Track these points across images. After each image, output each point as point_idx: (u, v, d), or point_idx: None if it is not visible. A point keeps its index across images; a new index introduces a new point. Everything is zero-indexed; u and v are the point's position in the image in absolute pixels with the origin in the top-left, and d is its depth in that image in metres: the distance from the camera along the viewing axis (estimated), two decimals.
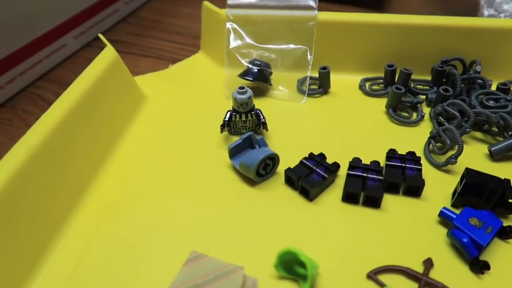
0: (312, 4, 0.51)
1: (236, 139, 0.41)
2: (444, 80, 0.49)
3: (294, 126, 0.46)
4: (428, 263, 0.31)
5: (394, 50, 0.52)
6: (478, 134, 0.44)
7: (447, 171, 0.40)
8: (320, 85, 0.51)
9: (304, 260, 0.29)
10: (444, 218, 0.34)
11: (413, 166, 0.38)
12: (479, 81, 0.48)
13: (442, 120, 0.44)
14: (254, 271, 0.31)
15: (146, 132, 0.46)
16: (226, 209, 0.37)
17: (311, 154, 0.40)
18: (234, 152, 0.40)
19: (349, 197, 0.37)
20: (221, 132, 0.44)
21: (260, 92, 0.51)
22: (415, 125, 0.46)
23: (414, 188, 0.37)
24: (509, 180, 0.34)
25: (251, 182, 0.39)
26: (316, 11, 0.51)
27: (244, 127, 0.44)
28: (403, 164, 0.38)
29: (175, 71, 0.56)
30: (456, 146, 0.39)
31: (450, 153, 0.40)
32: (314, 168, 0.38)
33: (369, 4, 0.71)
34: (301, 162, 0.39)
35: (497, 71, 0.50)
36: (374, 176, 0.37)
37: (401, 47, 0.51)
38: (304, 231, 0.35)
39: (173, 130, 0.46)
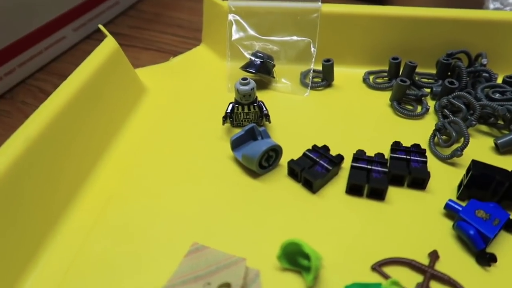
0: None
1: (238, 131, 0.40)
2: (449, 73, 0.49)
3: (297, 119, 0.45)
4: (434, 256, 0.31)
5: (398, 43, 0.51)
6: (484, 127, 0.43)
7: (453, 164, 0.39)
8: (324, 78, 0.50)
9: (308, 252, 0.28)
10: (450, 210, 0.34)
11: (418, 158, 0.37)
12: (485, 74, 0.47)
13: (448, 113, 0.43)
14: (257, 262, 0.31)
15: (147, 124, 0.45)
16: (228, 200, 0.36)
17: (314, 146, 0.39)
18: (236, 144, 0.40)
19: (353, 189, 0.36)
20: (223, 124, 0.43)
21: (263, 84, 0.51)
22: (419, 118, 0.45)
23: (419, 181, 0.36)
24: None
25: (254, 174, 0.39)
26: (319, 3, 0.51)
27: (247, 119, 0.44)
28: (408, 156, 0.38)
29: (176, 64, 0.56)
30: (462, 139, 0.39)
31: (456, 146, 0.39)
32: (318, 160, 0.38)
33: None
34: (304, 154, 0.39)
35: (503, 64, 0.49)
36: (379, 168, 0.36)
37: (405, 40, 0.51)
38: (307, 223, 0.34)
39: (174, 122, 0.45)
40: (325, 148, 0.39)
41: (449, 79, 0.46)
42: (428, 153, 0.40)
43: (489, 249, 0.31)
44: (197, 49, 0.58)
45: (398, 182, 0.37)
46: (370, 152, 0.39)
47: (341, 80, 0.51)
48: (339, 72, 0.50)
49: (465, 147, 0.38)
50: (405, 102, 0.48)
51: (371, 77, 0.51)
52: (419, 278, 0.30)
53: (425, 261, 0.31)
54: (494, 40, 0.49)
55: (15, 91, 0.54)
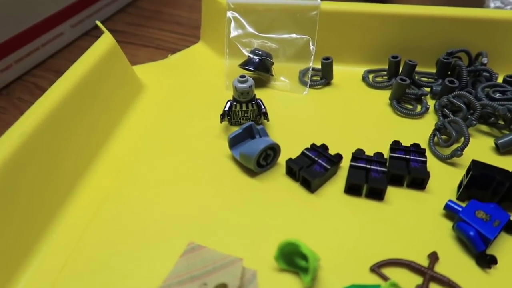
0: None
1: (236, 129, 0.39)
2: (449, 72, 0.48)
3: (296, 117, 0.45)
4: (433, 257, 0.30)
5: (398, 41, 0.51)
6: (484, 127, 0.43)
7: (452, 164, 0.39)
8: (323, 76, 0.50)
9: (306, 252, 0.28)
10: (449, 211, 0.33)
11: (417, 158, 0.37)
12: (485, 73, 0.47)
13: (447, 112, 0.43)
14: (254, 263, 0.30)
15: (144, 122, 0.45)
16: (225, 199, 0.36)
17: (313, 145, 0.39)
18: (234, 142, 0.39)
19: (351, 189, 0.36)
20: (221, 122, 0.43)
21: (261, 82, 0.50)
22: (419, 117, 0.45)
23: (419, 181, 0.36)
24: None
25: (251, 173, 0.38)
26: (319, 1, 0.50)
27: (245, 117, 0.43)
28: (407, 156, 0.37)
29: (175, 61, 0.55)
30: (462, 139, 0.38)
31: (456, 145, 0.39)
32: (316, 159, 0.37)
33: None
34: (302, 153, 0.38)
35: (504, 64, 0.49)
36: (378, 168, 0.36)
37: (405, 39, 0.50)
38: (305, 223, 0.34)
39: (172, 120, 0.45)
40: (324, 147, 0.39)
41: (449, 78, 0.45)
42: (427, 153, 0.40)
43: (489, 251, 0.31)
44: (195, 47, 0.58)
45: (397, 182, 0.36)
46: (369, 152, 0.39)
47: (340, 78, 0.50)
48: (338, 70, 0.50)
49: (465, 147, 0.38)
50: (404, 101, 0.47)
51: (370, 76, 0.51)
52: (418, 279, 0.30)
53: (424, 262, 0.30)
54: (494, 39, 0.49)
55: (11, 88, 0.53)
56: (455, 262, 0.31)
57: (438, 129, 0.41)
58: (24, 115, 0.34)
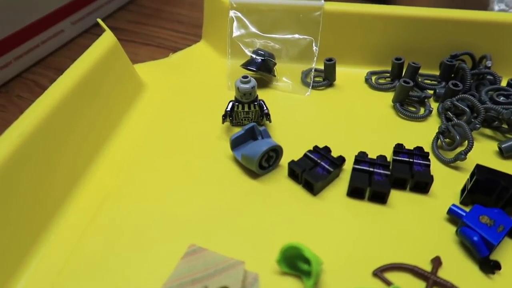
0: None
1: (238, 130, 0.39)
2: (452, 75, 0.48)
3: (298, 119, 0.45)
4: (437, 262, 0.30)
5: (401, 43, 0.50)
6: (488, 131, 0.43)
7: (456, 168, 0.38)
8: (325, 78, 0.49)
9: (309, 256, 0.28)
10: (453, 215, 0.33)
11: (421, 161, 0.37)
12: (489, 76, 0.46)
13: (451, 115, 0.42)
14: (255, 266, 0.30)
15: (145, 121, 0.44)
16: (227, 202, 0.35)
17: (315, 147, 0.39)
18: (236, 143, 0.39)
19: (354, 192, 0.36)
20: (223, 122, 0.42)
21: (263, 83, 0.50)
22: (422, 120, 0.44)
23: (422, 184, 0.36)
24: None
25: (253, 175, 0.38)
26: (322, 1, 0.50)
27: (247, 118, 0.43)
28: (410, 160, 0.37)
29: (176, 60, 0.55)
30: (465, 143, 0.38)
31: (459, 149, 0.38)
32: (319, 161, 0.37)
33: None
34: (305, 155, 0.38)
35: (508, 67, 0.48)
36: (381, 171, 0.36)
37: (408, 40, 0.50)
38: (307, 226, 0.33)
39: (173, 120, 0.44)
40: (327, 149, 0.38)
41: (453, 81, 0.45)
42: (431, 156, 0.39)
43: (493, 256, 0.31)
44: (197, 46, 0.57)
45: (400, 185, 0.36)
46: (372, 154, 0.38)
47: (343, 80, 0.50)
48: (341, 71, 0.49)
49: (469, 151, 0.37)
50: (407, 104, 0.47)
51: (373, 78, 0.51)
52: (421, 284, 0.29)
53: (427, 267, 0.30)
54: (498, 42, 0.48)
55: (10, 85, 0.53)
56: (459, 267, 0.30)
57: (441, 132, 0.40)
58: (24, 114, 0.34)
